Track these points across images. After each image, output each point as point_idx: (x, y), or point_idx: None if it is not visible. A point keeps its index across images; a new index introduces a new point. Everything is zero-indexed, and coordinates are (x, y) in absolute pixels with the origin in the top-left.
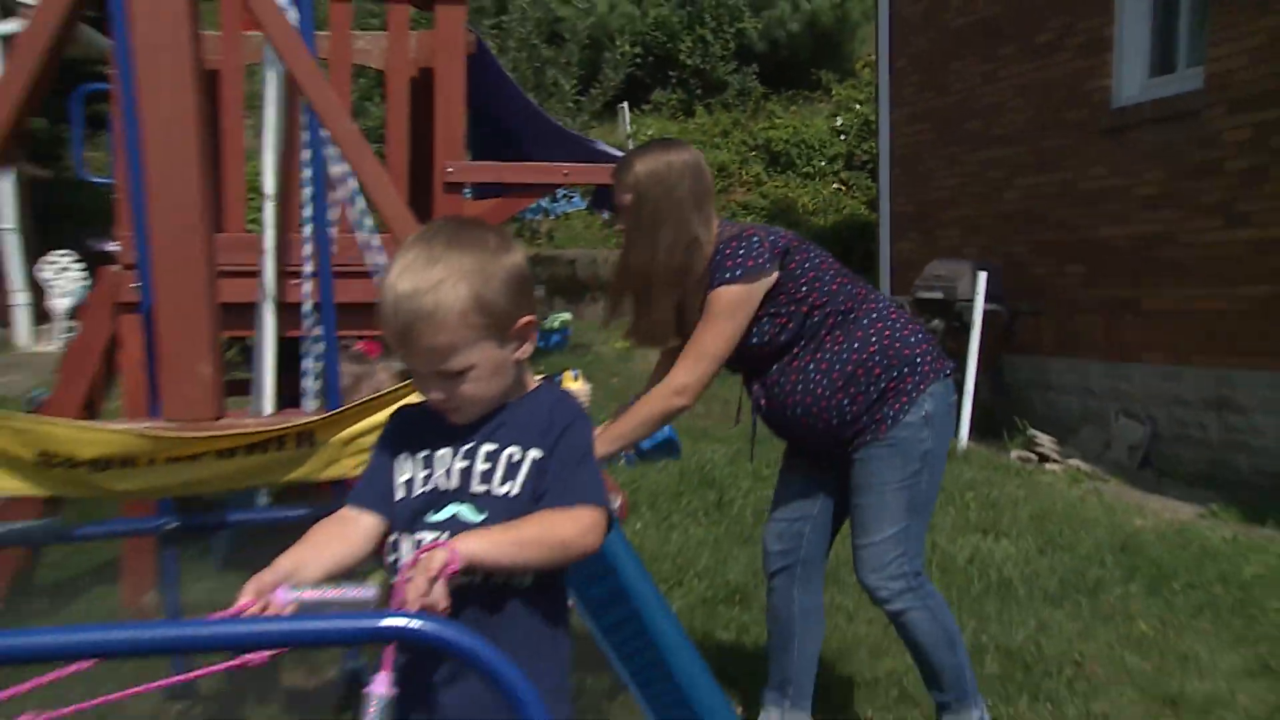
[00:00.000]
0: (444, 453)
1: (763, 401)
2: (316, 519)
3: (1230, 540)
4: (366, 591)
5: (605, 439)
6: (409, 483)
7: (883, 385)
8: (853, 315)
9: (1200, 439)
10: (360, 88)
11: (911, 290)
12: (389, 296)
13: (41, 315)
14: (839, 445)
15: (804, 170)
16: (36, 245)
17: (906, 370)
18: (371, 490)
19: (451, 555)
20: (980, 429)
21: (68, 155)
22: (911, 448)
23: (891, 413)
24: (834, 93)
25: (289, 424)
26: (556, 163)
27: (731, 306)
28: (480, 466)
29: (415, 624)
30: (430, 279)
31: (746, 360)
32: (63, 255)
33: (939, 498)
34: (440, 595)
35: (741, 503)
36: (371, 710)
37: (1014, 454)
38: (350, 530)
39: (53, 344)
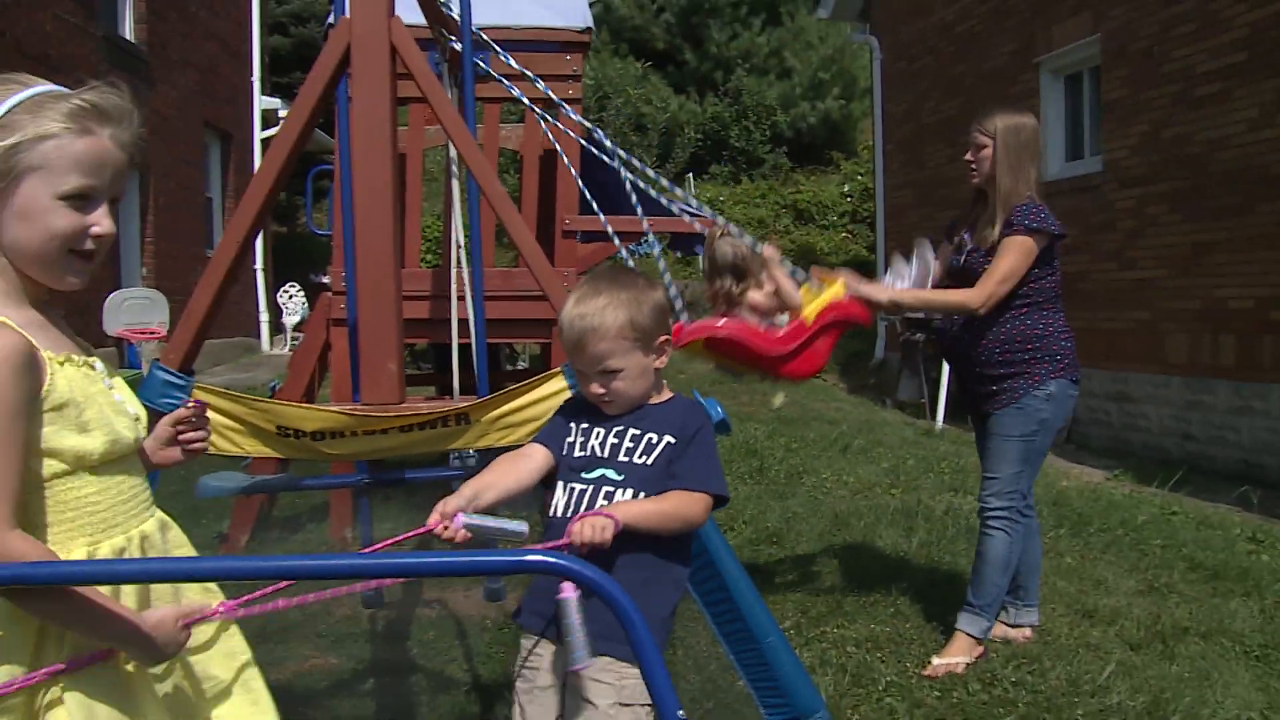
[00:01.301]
0: (599, 430)
1: (952, 329)
2: (464, 479)
3: (1128, 496)
4: (519, 525)
5: (908, 295)
6: (571, 445)
7: (1027, 359)
8: (1044, 307)
9: (1106, 422)
10: (503, 164)
11: (902, 312)
12: (568, 317)
13: (277, 328)
14: (976, 382)
15: (821, 223)
16: (275, 279)
17: (1046, 360)
18: (550, 436)
19: (616, 521)
20: (951, 415)
21: (299, 216)
22: (1032, 415)
23: (1025, 385)
24: (842, 167)
25: (451, 407)
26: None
27: (1032, 250)
28: (625, 444)
29: (559, 561)
30: (597, 305)
31: (969, 276)
32: (292, 286)
33: (922, 464)
34: (602, 542)
35: (777, 468)
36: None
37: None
38: (523, 465)
39: (285, 349)
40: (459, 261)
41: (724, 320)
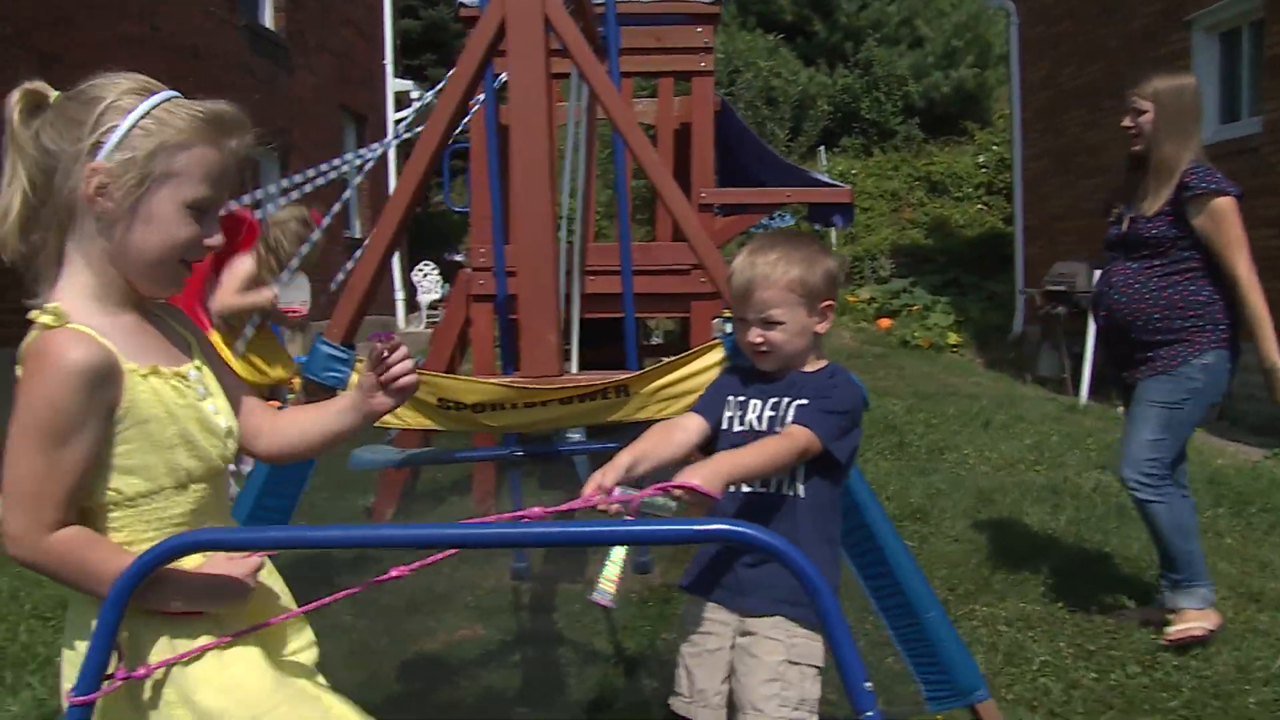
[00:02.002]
0: (756, 403)
1: (1111, 293)
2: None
3: None
4: (670, 503)
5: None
6: (731, 419)
7: (1188, 326)
8: (1209, 274)
9: (1262, 398)
10: None
11: (1041, 284)
12: (740, 264)
13: (412, 306)
14: (1131, 348)
15: (955, 195)
16: (409, 258)
17: (1209, 328)
18: (707, 404)
19: (715, 495)
20: (1096, 390)
21: (433, 195)
22: (1184, 382)
23: (1182, 353)
24: (976, 137)
25: (610, 379)
26: (781, 187)
27: (1236, 208)
28: (781, 414)
29: (747, 530)
30: (770, 257)
31: (1132, 243)
32: (427, 264)
33: (1066, 440)
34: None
35: (917, 444)
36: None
37: (1120, 409)
38: (679, 435)
39: (420, 326)
40: (583, 237)
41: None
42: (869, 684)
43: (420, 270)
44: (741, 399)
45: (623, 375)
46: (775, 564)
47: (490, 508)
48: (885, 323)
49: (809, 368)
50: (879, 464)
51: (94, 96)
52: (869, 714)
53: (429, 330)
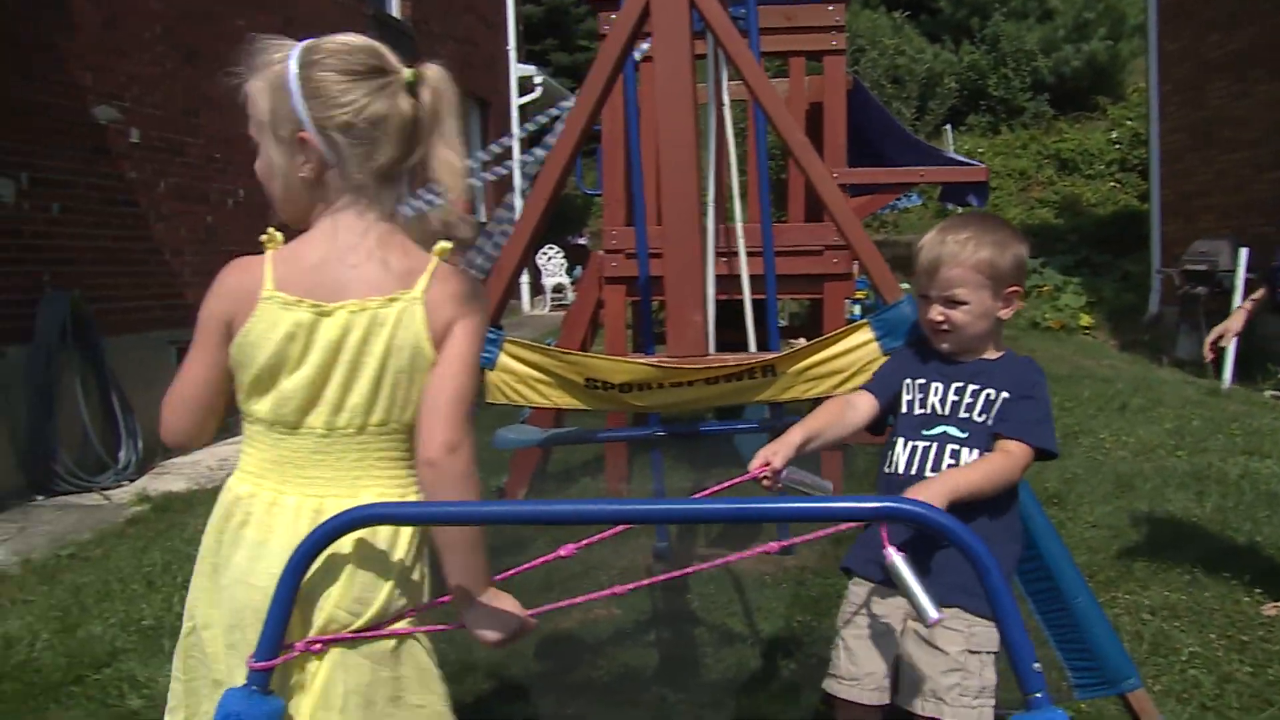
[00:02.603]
0: (937, 385)
1: None
2: (766, 430)
3: None
4: (825, 482)
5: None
6: (911, 402)
7: None
8: None
9: None
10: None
11: (1179, 263)
12: (929, 241)
13: (536, 289)
14: None
15: (1086, 173)
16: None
17: None
18: (879, 384)
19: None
20: (1241, 373)
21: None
22: None
23: None
24: (1109, 113)
25: (757, 359)
26: (913, 167)
27: None
28: (966, 400)
29: (921, 509)
30: (961, 236)
31: None
32: (551, 248)
33: (1209, 425)
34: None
35: None
36: (899, 566)
37: (1267, 393)
38: (850, 415)
39: (544, 309)
40: (725, 217)
41: None
42: (1037, 665)
43: (544, 254)
44: (922, 381)
45: (769, 355)
46: (950, 551)
47: (623, 489)
48: None
49: (990, 355)
50: None
51: None
52: (1037, 694)
53: (553, 313)
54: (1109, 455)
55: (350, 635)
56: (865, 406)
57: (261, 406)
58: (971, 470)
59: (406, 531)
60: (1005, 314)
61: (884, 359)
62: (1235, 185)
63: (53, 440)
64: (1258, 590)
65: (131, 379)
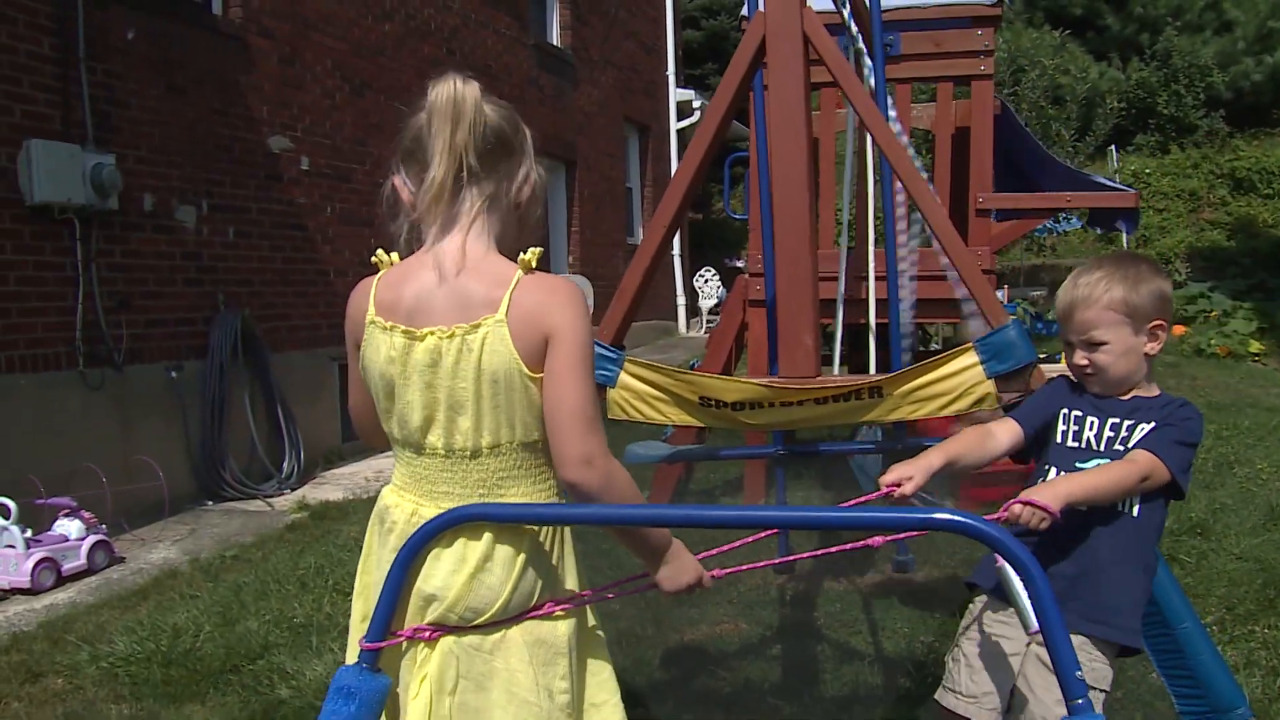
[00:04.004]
0: (1093, 420)
1: None
2: (884, 452)
3: None
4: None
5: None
6: (1065, 433)
7: None
8: None
9: None
10: (916, 143)
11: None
12: (1064, 287)
13: (693, 311)
14: None
15: (1264, 192)
16: (690, 264)
17: None
18: (1029, 413)
19: (1054, 516)
20: None
21: (714, 202)
22: None
23: None
24: None
25: (864, 380)
26: (1060, 192)
27: None
28: (1122, 434)
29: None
30: (1093, 278)
31: None
32: (708, 270)
33: None
34: (1035, 528)
35: (1204, 456)
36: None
37: None
38: (990, 443)
39: (700, 331)
40: (874, 242)
41: None
42: (1080, 673)
43: (701, 276)
44: (1079, 414)
45: (876, 377)
46: (1087, 579)
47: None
48: (1179, 329)
49: (1146, 392)
50: None
51: None
52: (1079, 700)
53: (708, 335)
54: (1265, 486)
55: (454, 627)
56: (1005, 436)
57: (391, 426)
58: (1088, 474)
59: (528, 538)
60: (1152, 349)
61: (987, 383)
62: None
63: (223, 450)
64: None
65: (296, 393)
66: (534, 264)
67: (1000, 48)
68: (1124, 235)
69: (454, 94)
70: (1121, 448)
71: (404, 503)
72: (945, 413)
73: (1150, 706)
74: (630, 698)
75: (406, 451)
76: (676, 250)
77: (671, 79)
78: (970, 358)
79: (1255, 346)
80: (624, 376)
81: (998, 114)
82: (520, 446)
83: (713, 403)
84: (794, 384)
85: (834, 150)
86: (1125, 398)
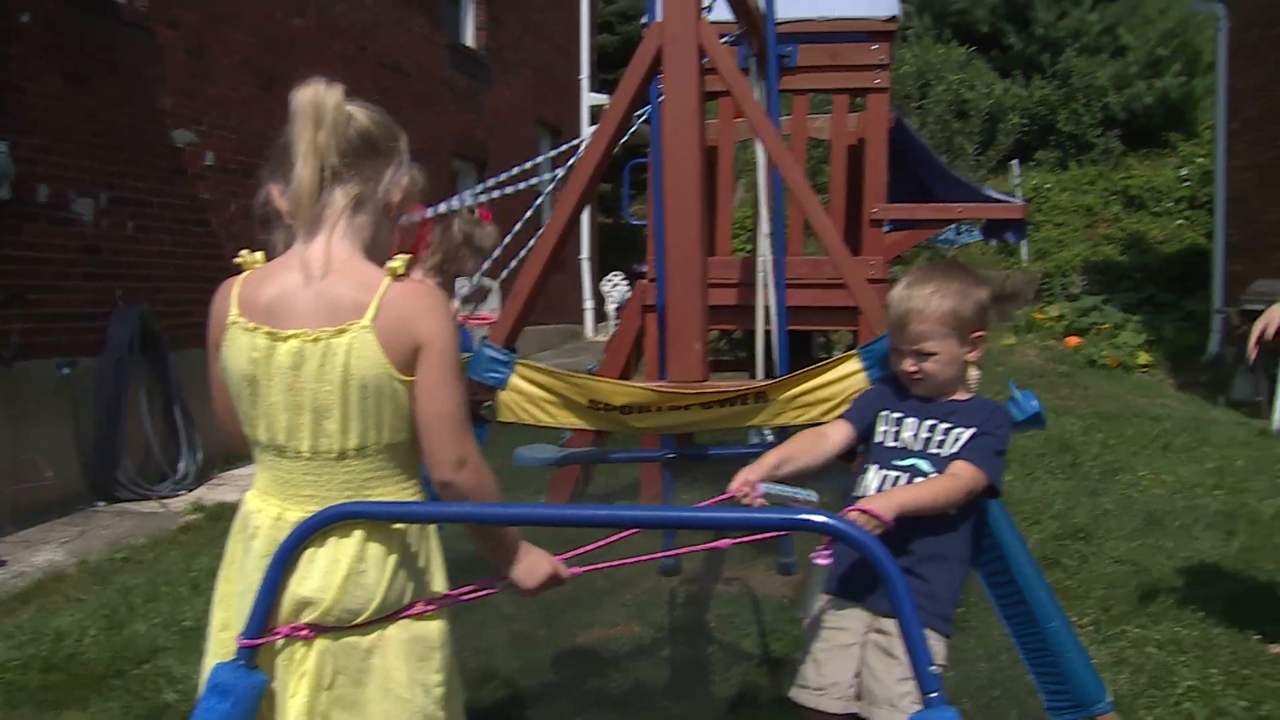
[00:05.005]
0: (911, 421)
1: None
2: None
3: None
4: (811, 495)
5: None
6: (885, 433)
7: None
8: None
9: None
10: (816, 154)
11: (1238, 303)
12: (897, 297)
13: (601, 316)
14: None
15: (1154, 210)
16: (599, 268)
17: None
18: (858, 414)
19: (885, 523)
20: None
21: (620, 208)
22: None
23: None
24: (1179, 150)
25: (748, 386)
26: (953, 203)
27: None
28: (937, 437)
29: (831, 521)
30: (925, 291)
31: None
32: (616, 275)
33: (1253, 466)
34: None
35: (1091, 464)
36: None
37: None
38: (822, 444)
39: (607, 335)
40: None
41: None
42: (934, 666)
43: (610, 280)
44: (898, 415)
45: (761, 383)
46: (911, 574)
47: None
48: (1073, 341)
49: (959, 396)
50: (1048, 483)
51: None
52: (933, 694)
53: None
54: (1144, 493)
55: (331, 627)
56: (838, 437)
57: (251, 429)
58: (920, 488)
59: (398, 539)
60: (972, 357)
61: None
62: None
63: (118, 449)
64: (1269, 629)
65: (196, 392)
66: (401, 270)
67: (908, 61)
68: (1022, 247)
69: (315, 97)
70: (937, 450)
71: (268, 508)
72: (828, 418)
73: (1024, 704)
74: (523, 699)
75: (268, 455)
76: (585, 254)
77: (585, 83)
78: (854, 364)
79: (1144, 358)
80: (514, 379)
81: (892, 127)
82: (387, 448)
83: (602, 406)
84: (680, 388)
85: (732, 158)
86: (941, 401)
